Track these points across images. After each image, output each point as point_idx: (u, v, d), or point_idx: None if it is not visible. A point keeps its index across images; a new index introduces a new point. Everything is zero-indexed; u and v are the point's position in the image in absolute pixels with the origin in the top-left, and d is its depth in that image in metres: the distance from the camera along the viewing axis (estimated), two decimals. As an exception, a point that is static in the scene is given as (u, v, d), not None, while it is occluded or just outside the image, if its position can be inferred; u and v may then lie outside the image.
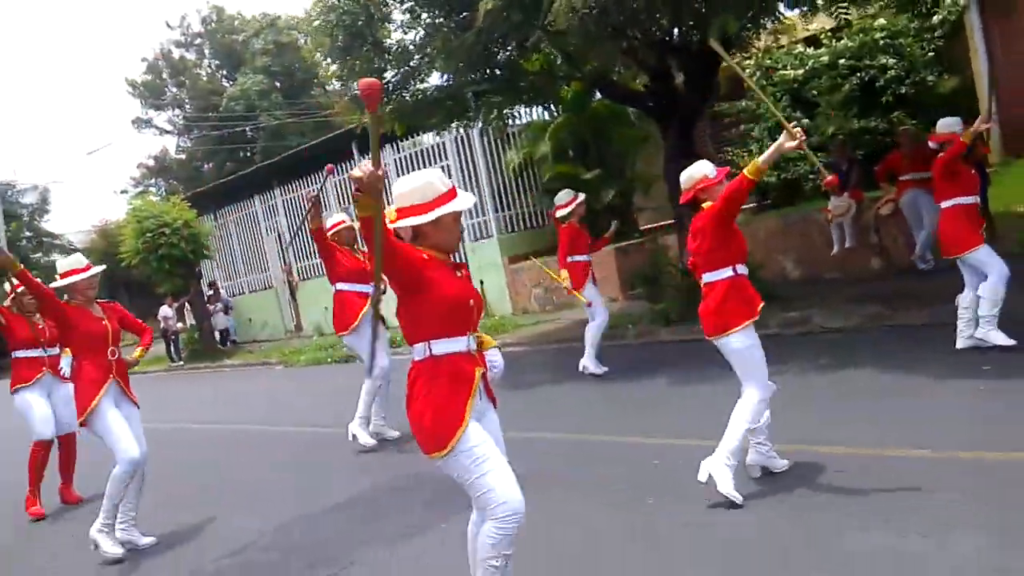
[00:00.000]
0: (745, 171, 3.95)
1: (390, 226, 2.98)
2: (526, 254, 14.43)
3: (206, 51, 33.77)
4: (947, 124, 6.06)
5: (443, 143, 14.94)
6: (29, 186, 31.71)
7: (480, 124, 10.94)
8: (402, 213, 2.95)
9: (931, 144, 6.23)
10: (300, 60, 30.34)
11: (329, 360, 13.88)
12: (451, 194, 2.95)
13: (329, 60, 9.48)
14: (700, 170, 4.30)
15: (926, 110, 11.68)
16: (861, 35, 12.44)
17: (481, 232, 14.83)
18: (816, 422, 5.11)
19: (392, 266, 2.79)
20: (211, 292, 19.45)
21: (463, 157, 14.75)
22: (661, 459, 4.87)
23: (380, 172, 2.49)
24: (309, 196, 6.63)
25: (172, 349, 18.57)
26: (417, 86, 9.78)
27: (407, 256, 2.82)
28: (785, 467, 4.29)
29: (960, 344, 5.90)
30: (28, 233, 29.79)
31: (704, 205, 4.23)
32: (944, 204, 5.93)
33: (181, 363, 18.10)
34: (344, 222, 6.93)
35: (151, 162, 33.88)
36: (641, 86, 9.98)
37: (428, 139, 15.87)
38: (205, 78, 33.44)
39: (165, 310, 18.55)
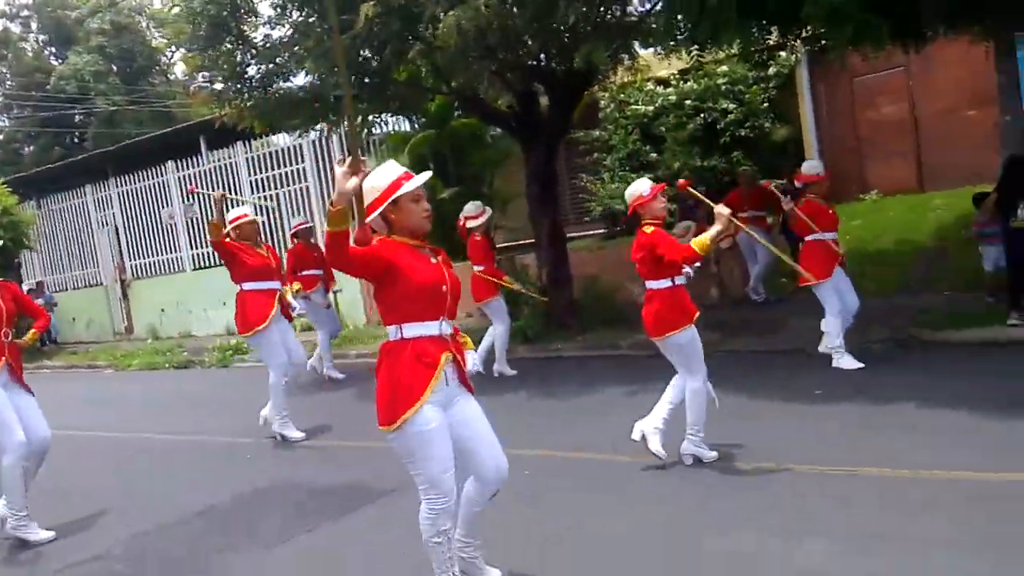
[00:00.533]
0: (694, 244, 4.39)
1: (365, 222, 3.15)
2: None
3: (33, 24, 31.01)
4: (811, 166, 6.73)
5: (300, 145, 14.61)
6: None
7: (343, 129, 10.78)
8: (369, 209, 3.08)
9: (797, 183, 6.82)
10: (140, 44, 28.55)
11: (166, 365, 13.15)
12: (403, 178, 3.10)
13: (186, 49, 9.01)
14: (638, 189, 4.66)
15: (761, 153, 12.77)
16: (706, 79, 13.38)
17: (335, 239, 14.55)
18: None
19: (362, 272, 3.00)
20: (34, 287, 17.84)
21: (320, 162, 14.48)
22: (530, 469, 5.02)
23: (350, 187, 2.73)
24: (216, 197, 6.46)
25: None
26: (280, 84, 9.51)
27: (367, 259, 2.95)
28: (713, 458, 4.72)
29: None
30: None
31: (643, 222, 4.60)
32: (808, 238, 6.49)
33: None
34: (247, 216, 6.69)
35: (-38, 139, 30.70)
36: (505, 107, 10.21)
37: (282, 140, 15.47)
38: (31, 53, 30.68)
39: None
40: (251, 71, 8.91)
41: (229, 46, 8.81)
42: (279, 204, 15.15)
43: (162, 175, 16.69)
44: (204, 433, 7.61)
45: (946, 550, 3.28)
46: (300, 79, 9.65)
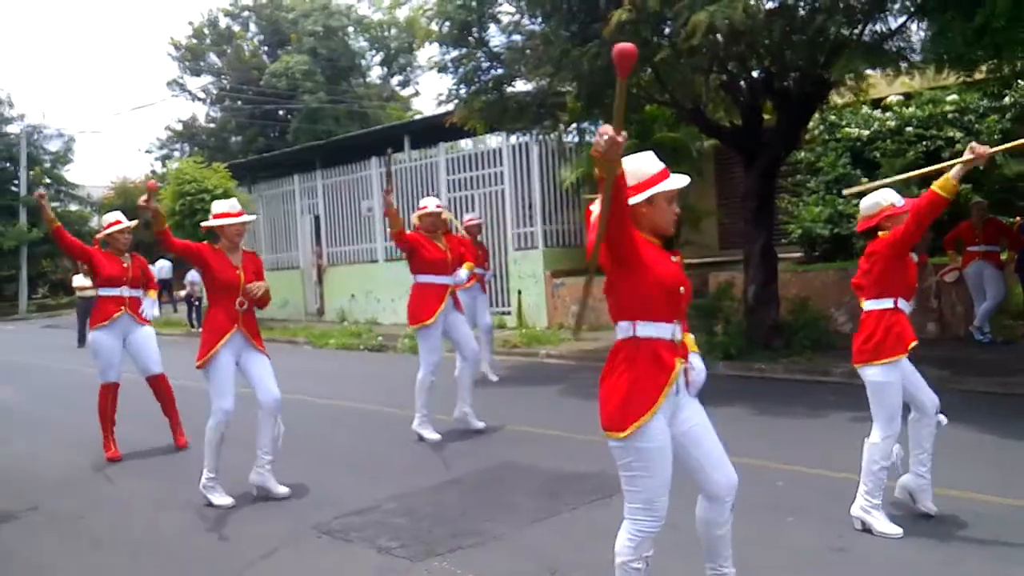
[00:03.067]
0: (935, 187, 3.92)
1: (596, 209, 2.90)
2: (568, 270, 14.65)
3: (252, 24, 33.82)
4: None
5: (500, 149, 15.05)
6: (55, 133, 31.56)
7: (558, 134, 11.04)
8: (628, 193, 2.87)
9: None
10: (344, 47, 30.49)
11: (361, 347, 13.89)
12: (663, 174, 2.91)
13: (434, 47, 9.50)
14: (887, 197, 4.25)
15: (987, 188, 11.96)
16: (931, 105, 12.71)
17: (526, 242, 14.90)
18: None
19: (619, 235, 2.68)
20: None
21: (518, 166, 14.86)
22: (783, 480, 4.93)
23: (620, 139, 2.39)
24: (385, 188, 6.46)
25: (194, 315, 18.48)
26: (509, 89, 9.87)
27: (632, 230, 2.75)
28: (931, 511, 4.24)
29: None
30: (47, 180, 29.56)
31: (880, 234, 4.22)
32: None
33: (199, 328, 18.01)
34: (426, 208, 6.69)
35: (179, 126, 33.88)
36: (728, 122, 10.12)
37: (484, 143, 16.01)
38: (248, 51, 33.46)
39: (193, 274, 18.45)
40: (487, 75, 9.25)
41: (471, 49, 9.21)
42: (474, 204, 15.69)
43: (364, 170, 17.67)
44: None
45: None
46: (526, 85, 10.00)
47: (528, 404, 8.14)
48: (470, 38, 9.29)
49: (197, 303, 18.48)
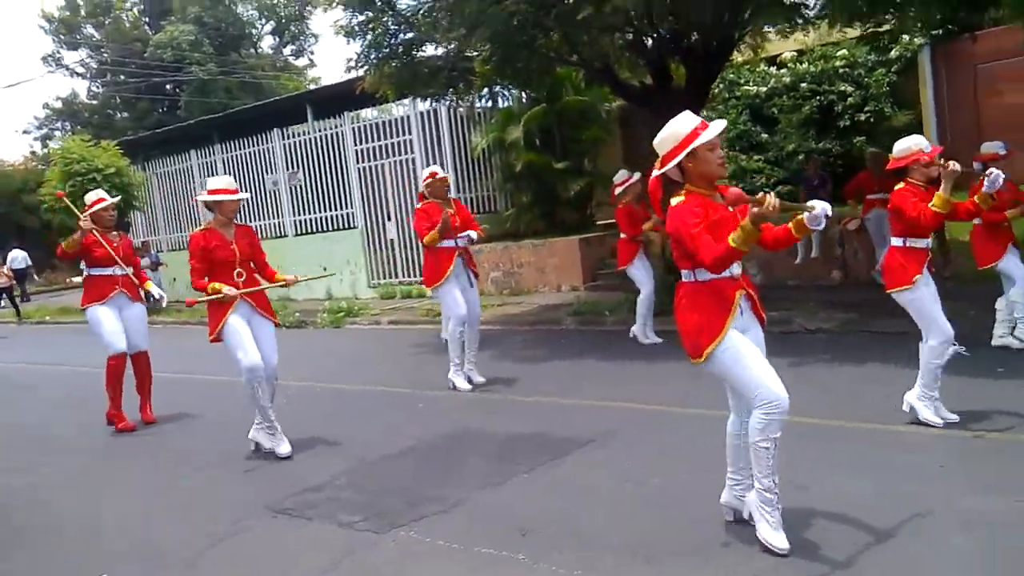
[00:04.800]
0: (935, 207, 4.43)
1: (656, 172, 3.39)
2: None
3: (130, -7, 31.94)
4: (992, 146, 6.62)
5: (408, 117, 14.82)
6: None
7: (469, 99, 10.96)
8: (664, 160, 3.33)
9: (976, 164, 6.65)
10: (232, 15, 29.18)
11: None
12: (700, 127, 3.27)
13: (338, 11, 9.18)
14: (917, 143, 4.69)
15: (879, 138, 12.60)
16: (823, 61, 13.26)
17: (440, 210, 14.78)
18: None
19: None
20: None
21: (427, 133, 14.69)
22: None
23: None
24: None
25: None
26: (419, 53, 9.70)
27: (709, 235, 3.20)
28: (941, 422, 4.73)
29: (994, 342, 6.45)
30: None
31: (910, 178, 4.65)
32: (976, 221, 6.38)
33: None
34: (437, 174, 6.95)
35: (59, 104, 31.75)
36: (637, 81, 10.27)
37: (398, 110, 15.71)
38: (128, 22, 31.59)
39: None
40: (396, 39, 9.06)
41: (378, 12, 9.00)
42: (385, 174, 15.45)
43: (267, 142, 17.10)
44: (358, 384, 7.93)
45: None
46: (436, 49, 9.86)
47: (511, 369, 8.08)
48: (377, 1, 9.07)
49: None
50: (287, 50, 32.75)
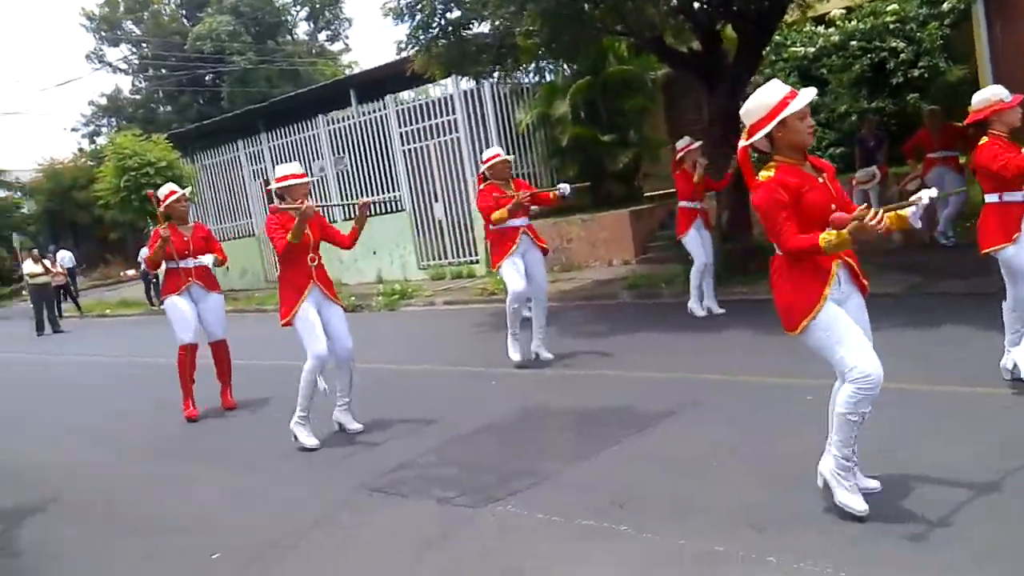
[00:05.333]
0: None
1: (744, 143, 3.38)
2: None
3: (169, -13, 32.24)
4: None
5: (451, 96, 14.84)
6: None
7: (518, 75, 10.95)
8: (752, 130, 3.33)
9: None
10: (268, 3, 29.35)
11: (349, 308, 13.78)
12: (789, 97, 3.26)
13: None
14: (996, 93, 4.62)
15: (934, 95, 12.30)
16: (872, 18, 12.94)
17: (488, 188, 14.83)
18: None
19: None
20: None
21: (472, 113, 14.70)
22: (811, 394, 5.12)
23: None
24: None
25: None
26: (467, 32, 9.70)
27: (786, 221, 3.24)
28: None
29: None
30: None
31: (992, 130, 4.54)
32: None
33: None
34: (499, 155, 7.02)
35: (103, 100, 32.34)
36: (686, 48, 10.15)
37: (437, 91, 15.76)
38: (166, 16, 31.95)
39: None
40: (448, 16, 9.07)
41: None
42: (430, 155, 15.52)
43: (312, 129, 17.26)
44: (427, 364, 8.10)
45: None
46: (482, 27, 9.84)
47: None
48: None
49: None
50: (322, 35, 32.93)
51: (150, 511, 4.97)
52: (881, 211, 3.07)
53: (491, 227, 7.04)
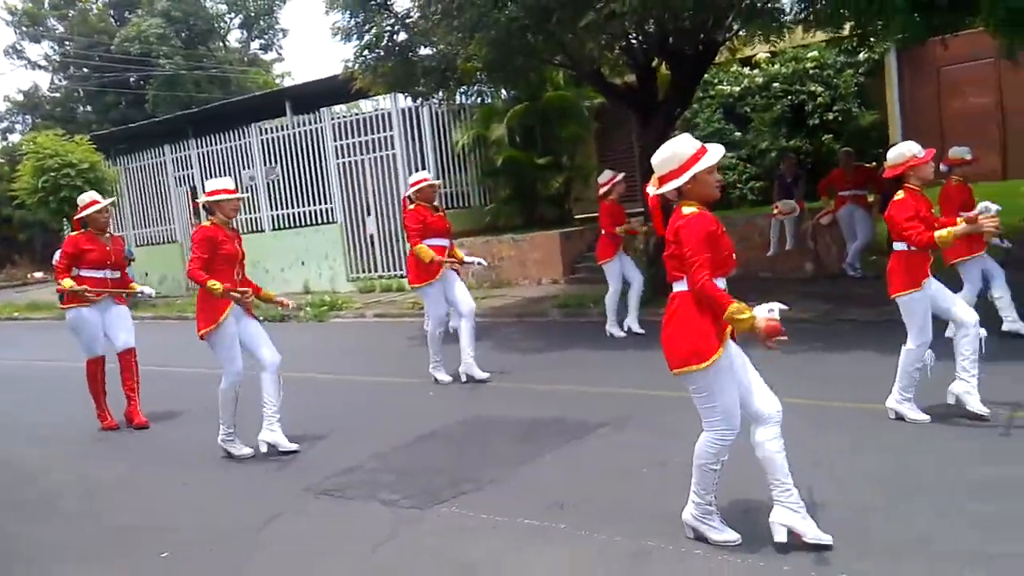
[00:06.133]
0: (938, 239, 4.63)
1: (655, 192, 3.50)
2: (465, 231, 14.89)
3: (97, -15, 31.31)
4: (960, 151, 7.04)
5: (389, 113, 15.01)
6: None
7: (455, 96, 11.23)
8: (663, 180, 3.44)
9: (943, 166, 6.99)
10: (200, 9, 28.87)
11: (261, 319, 13.55)
12: (700, 153, 3.37)
13: (336, 11, 9.38)
14: (910, 149, 4.92)
15: (847, 138, 13.17)
16: (794, 63, 13.79)
17: (422, 205, 15.00)
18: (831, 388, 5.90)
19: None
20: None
21: (408, 129, 14.88)
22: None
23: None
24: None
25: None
26: (414, 55, 9.92)
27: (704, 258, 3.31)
28: (920, 421, 4.90)
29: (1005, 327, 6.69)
30: None
31: (907, 184, 4.87)
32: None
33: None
34: (427, 180, 7.27)
35: (20, 97, 31.08)
36: (622, 82, 10.63)
37: (368, 106, 15.90)
38: (94, 15, 31.01)
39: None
40: (396, 38, 9.28)
41: (375, 14, 9.20)
42: (365, 170, 15.62)
43: (245, 137, 17.13)
44: (362, 375, 8.19)
45: None
46: (429, 49, 10.08)
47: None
48: (373, 3, 9.28)
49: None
50: (255, 44, 32.59)
51: (95, 510, 4.96)
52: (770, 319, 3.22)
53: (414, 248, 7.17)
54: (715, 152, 3.41)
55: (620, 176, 8.76)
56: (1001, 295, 6.75)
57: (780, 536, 3.42)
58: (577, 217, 15.46)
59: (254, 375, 5.61)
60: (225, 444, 5.64)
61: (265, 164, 17.03)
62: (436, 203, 7.38)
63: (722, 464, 3.47)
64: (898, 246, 4.94)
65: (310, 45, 55.36)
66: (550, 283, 13.43)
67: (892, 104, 13.49)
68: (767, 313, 3.25)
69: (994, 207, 5.25)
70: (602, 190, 8.81)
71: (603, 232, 8.85)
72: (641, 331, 8.77)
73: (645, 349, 8.00)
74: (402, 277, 15.15)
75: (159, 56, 26.68)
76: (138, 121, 22.70)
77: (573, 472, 4.69)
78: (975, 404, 4.82)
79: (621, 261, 8.86)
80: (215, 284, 5.31)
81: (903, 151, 4.95)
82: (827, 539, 3.36)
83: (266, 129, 16.96)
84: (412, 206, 7.19)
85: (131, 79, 28.01)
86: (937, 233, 4.65)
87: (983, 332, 4.86)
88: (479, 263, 7.87)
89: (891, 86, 13.51)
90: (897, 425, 4.98)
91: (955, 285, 6.03)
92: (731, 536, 3.50)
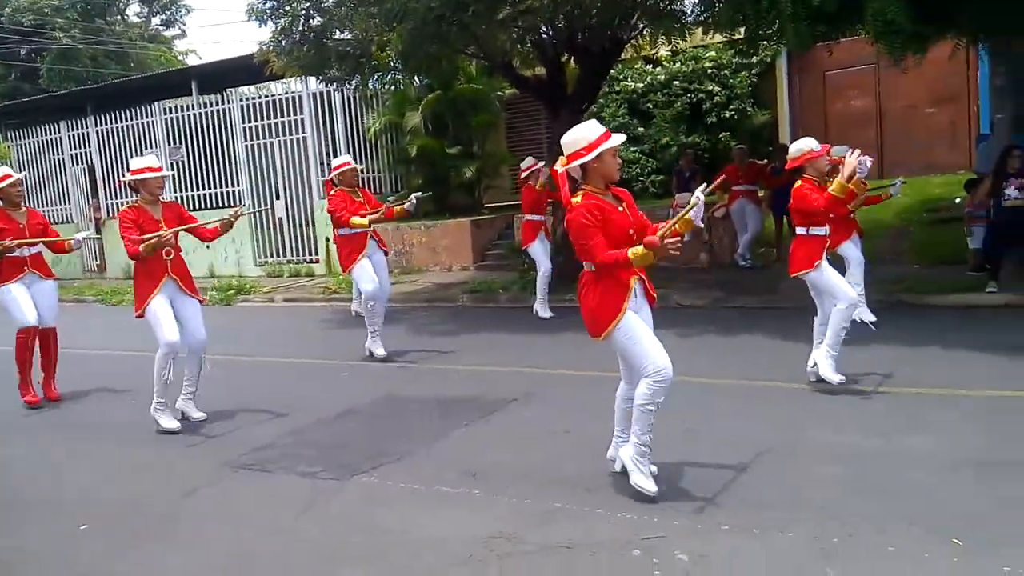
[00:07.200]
0: (833, 192, 5.15)
1: (561, 169, 3.87)
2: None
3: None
4: (840, 150, 7.64)
5: (300, 96, 14.91)
6: None
7: (374, 82, 11.35)
8: (570, 158, 3.83)
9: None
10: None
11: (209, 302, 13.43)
12: (605, 136, 3.81)
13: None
14: (808, 144, 5.47)
15: (741, 135, 13.92)
16: (693, 62, 14.45)
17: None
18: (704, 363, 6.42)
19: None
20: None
21: (319, 113, 14.83)
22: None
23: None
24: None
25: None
26: (329, 40, 9.96)
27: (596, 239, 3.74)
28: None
29: None
30: None
31: (805, 175, 5.43)
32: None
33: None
34: (349, 164, 7.42)
35: None
36: (532, 74, 10.97)
37: (281, 89, 15.74)
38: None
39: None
40: (312, 22, 9.32)
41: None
42: (274, 153, 15.48)
43: (148, 116, 16.66)
44: (276, 356, 8.29)
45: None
46: (345, 34, 10.13)
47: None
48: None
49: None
50: (157, 20, 31.36)
51: (11, 484, 4.97)
52: (671, 224, 3.66)
53: (339, 232, 7.42)
54: (618, 137, 3.84)
55: (541, 164, 9.10)
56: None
57: (617, 466, 4.14)
58: (488, 205, 15.78)
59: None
60: (155, 414, 5.75)
61: (169, 144, 16.62)
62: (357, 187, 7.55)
63: (658, 406, 3.85)
64: (799, 231, 5.52)
65: (217, 22, 53.66)
66: (460, 270, 13.70)
67: (782, 104, 14.32)
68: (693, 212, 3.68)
69: (846, 148, 5.91)
70: (523, 175, 9.17)
71: (526, 217, 9.17)
72: (551, 314, 9.15)
73: (553, 331, 8.41)
74: (312, 262, 15.15)
75: (54, 28, 25.41)
76: (30, 96, 21.63)
77: (485, 443, 5.01)
78: (827, 372, 5.43)
79: (543, 244, 9.22)
80: (146, 244, 5.41)
81: (802, 146, 5.50)
82: (652, 490, 3.85)
83: (170, 108, 16.55)
84: (334, 190, 7.34)
85: (22, 52, 26.57)
86: (830, 189, 5.22)
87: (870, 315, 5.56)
88: (415, 196, 7.78)
89: (781, 88, 14.33)
90: (777, 396, 5.51)
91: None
92: (652, 487, 3.88)
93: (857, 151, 5.48)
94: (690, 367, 5.58)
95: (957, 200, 9.67)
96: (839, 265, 6.30)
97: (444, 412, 5.73)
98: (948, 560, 3.16)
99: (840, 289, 5.42)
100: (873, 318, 7.05)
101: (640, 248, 3.65)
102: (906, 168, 12.78)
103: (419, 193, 7.97)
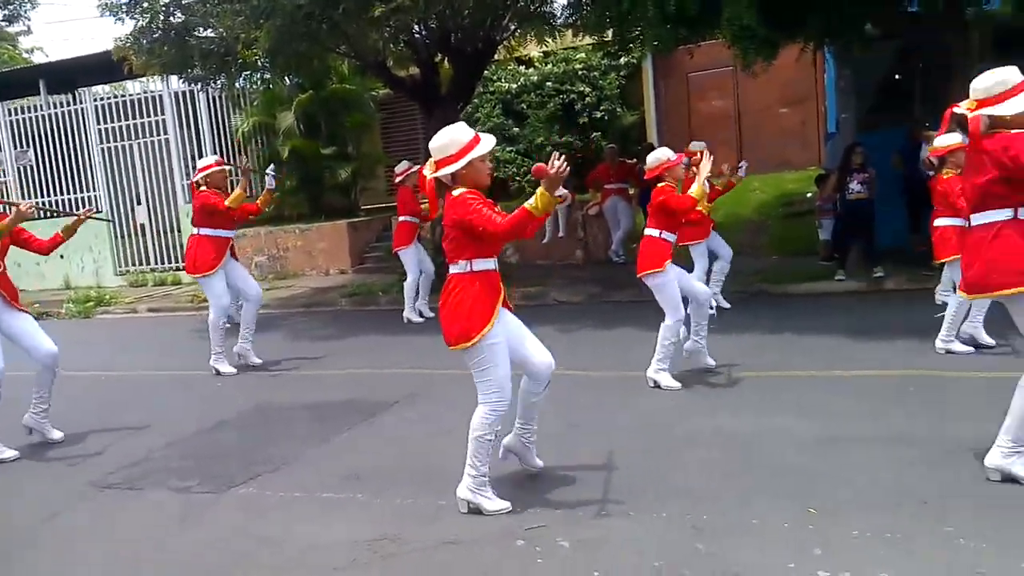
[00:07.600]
0: (694, 195, 5.46)
1: (430, 176, 3.77)
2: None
3: None
4: (698, 145, 8.05)
5: (160, 95, 14.23)
6: None
7: (241, 82, 10.98)
8: (440, 164, 3.70)
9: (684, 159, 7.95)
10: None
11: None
12: (475, 141, 3.65)
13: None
14: (665, 154, 5.65)
15: (611, 135, 14.34)
16: (564, 63, 14.77)
17: (199, 194, 14.40)
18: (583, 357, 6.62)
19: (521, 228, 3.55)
20: None
21: (182, 114, 14.21)
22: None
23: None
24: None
25: None
26: (191, 38, 9.56)
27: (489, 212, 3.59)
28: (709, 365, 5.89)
29: None
30: None
31: (664, 183, 5.58)
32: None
33: None
34: (216, 164, 7.13)
35: None
36: (406, 73, 10.92)
37: (139, 88, 14.96)
38: None
39: None
40: (172, 19, 8.93)
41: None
42: (133, 155, 14.71)
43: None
44: (141, 370, 7.89)
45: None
46: (208, 31, 9.77)
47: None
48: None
49: None
50: (-1, 14, 29.09)
51: None
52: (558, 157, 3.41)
53: (202, 231, 7.06)
54: (488, 141, 3.71)
55: (416, 167, 9.05)
56: (719, 271, 7.98)
57: (502, 456, 4.10)
58: (364, 207, 15.57)
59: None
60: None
61: (15, 148, 15.49)
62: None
63: (496, 435, 3.83)
64: (648, 231, 5.71)
65: (65, 18, 50.33)
66: (338, 273, 13.46)
67: (649, 105, 14.85)
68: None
69: (703, 144, 6.41)
70: (398, 179, 9.11)
71: (400, 218, 9.11)
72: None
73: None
74: (178, 270, 14.48)
75: None
76: None
77: (367, 446, 4.95)
78: (703, 359, 5.89)
79: (417, 249, 9.18)
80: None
81: (659, 156, 5.70)
82: (505, 506, 3.75)
83: (15, 109, 15.42)
84: (203, 189, 7.02)
85: None
86: (690, 191, 5.49)
87: (714, 304, 5.97)
88: (270, 171, 7.45)
89: (648, 89, 14.86)
90: (653, 391, 5.72)
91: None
92: (503, 505, 3.79)
93: (708, 154, 5.81)
94: (571, 361, 5.73)
95: (808, 195, 10.36)
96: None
97: (324, 417, 5.63)
98: (804, 528, 3.38)
99: (674, 303, 5.56)
100: (727, 305, 7.62)
101: (537, 193, 3.43)
102: (763, 165, 13.55)
103: (272, 166, 7.78)
